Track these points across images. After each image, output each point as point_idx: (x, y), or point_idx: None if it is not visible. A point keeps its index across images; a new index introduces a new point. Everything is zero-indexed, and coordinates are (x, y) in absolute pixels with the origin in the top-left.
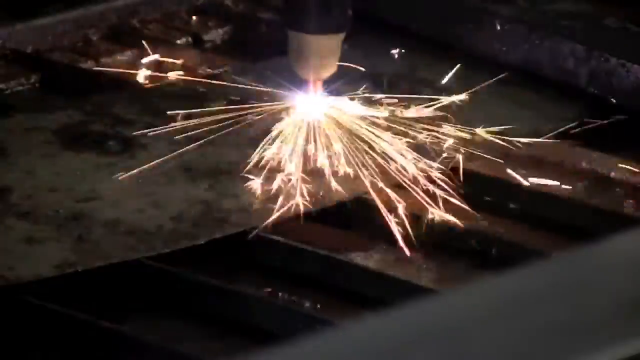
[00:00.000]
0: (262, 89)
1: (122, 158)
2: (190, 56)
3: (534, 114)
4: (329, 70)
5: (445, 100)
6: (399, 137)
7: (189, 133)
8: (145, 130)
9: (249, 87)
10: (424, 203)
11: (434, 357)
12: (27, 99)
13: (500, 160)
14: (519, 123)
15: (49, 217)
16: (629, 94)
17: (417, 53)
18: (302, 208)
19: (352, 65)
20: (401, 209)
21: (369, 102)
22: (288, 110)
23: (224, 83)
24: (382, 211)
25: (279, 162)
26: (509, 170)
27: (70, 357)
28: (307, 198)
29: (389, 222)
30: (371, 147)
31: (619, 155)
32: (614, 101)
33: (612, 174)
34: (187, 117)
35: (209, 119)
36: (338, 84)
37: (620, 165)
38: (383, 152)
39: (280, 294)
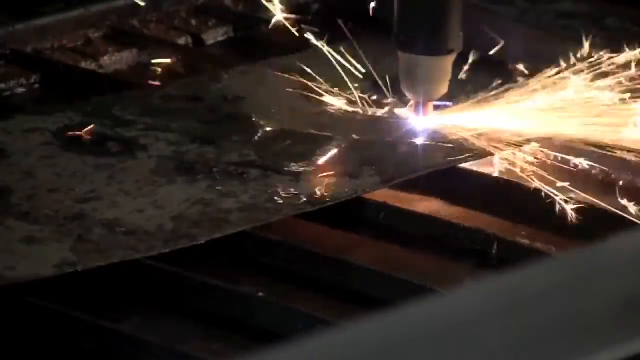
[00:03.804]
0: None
1: (122, 159)
2: (190, 56)
3: None
4: (440, 92)
5: None
6: None
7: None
8: None
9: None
10: None
11: (434, 357)
12: (27, 100)
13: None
14: None
15: (49, 218)
16: None
17: None
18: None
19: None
20: None
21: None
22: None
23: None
24: None
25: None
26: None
27: (71, 357)
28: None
29: None
30: None
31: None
32: None
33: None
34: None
35: None
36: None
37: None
38: None
39: (280, 294)
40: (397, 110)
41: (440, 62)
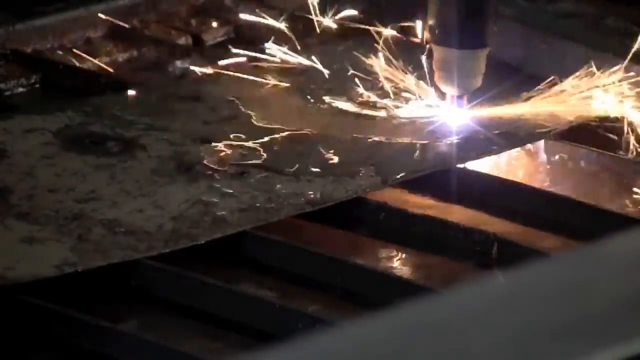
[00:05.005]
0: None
1: (122, 159)
2: (190, 56)
3: None
4: (475, 84)
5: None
6: None
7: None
8: None
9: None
10: None
11: (434, 357)
12: (27, 100)
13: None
14: None
15: (49, 217)
16: None
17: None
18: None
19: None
20: None
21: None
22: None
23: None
24: None
25: None
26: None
27: (70, 357)
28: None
29: None
30: None
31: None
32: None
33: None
34: None
35: None
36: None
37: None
38: None
39: (280, 294)
40: (398, 110)
41: (477, 55)
